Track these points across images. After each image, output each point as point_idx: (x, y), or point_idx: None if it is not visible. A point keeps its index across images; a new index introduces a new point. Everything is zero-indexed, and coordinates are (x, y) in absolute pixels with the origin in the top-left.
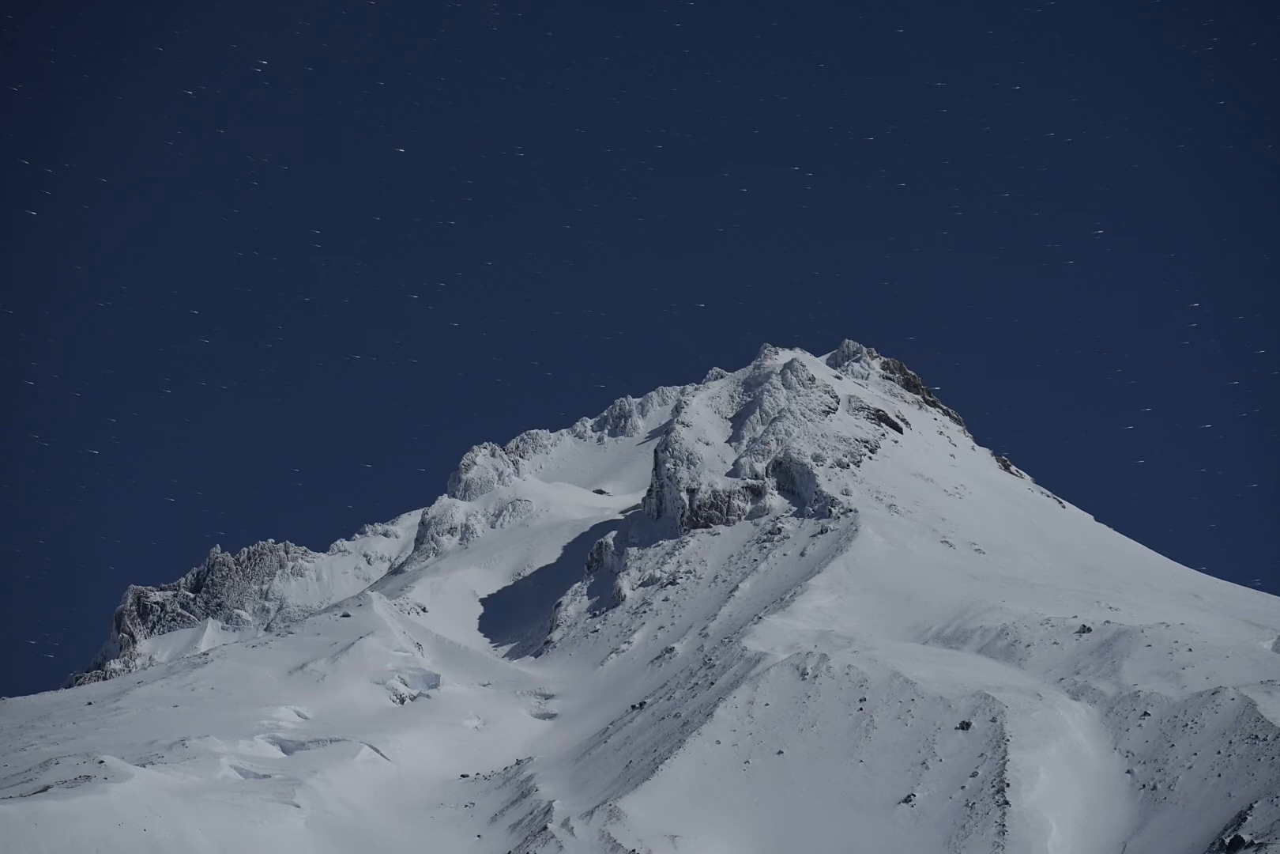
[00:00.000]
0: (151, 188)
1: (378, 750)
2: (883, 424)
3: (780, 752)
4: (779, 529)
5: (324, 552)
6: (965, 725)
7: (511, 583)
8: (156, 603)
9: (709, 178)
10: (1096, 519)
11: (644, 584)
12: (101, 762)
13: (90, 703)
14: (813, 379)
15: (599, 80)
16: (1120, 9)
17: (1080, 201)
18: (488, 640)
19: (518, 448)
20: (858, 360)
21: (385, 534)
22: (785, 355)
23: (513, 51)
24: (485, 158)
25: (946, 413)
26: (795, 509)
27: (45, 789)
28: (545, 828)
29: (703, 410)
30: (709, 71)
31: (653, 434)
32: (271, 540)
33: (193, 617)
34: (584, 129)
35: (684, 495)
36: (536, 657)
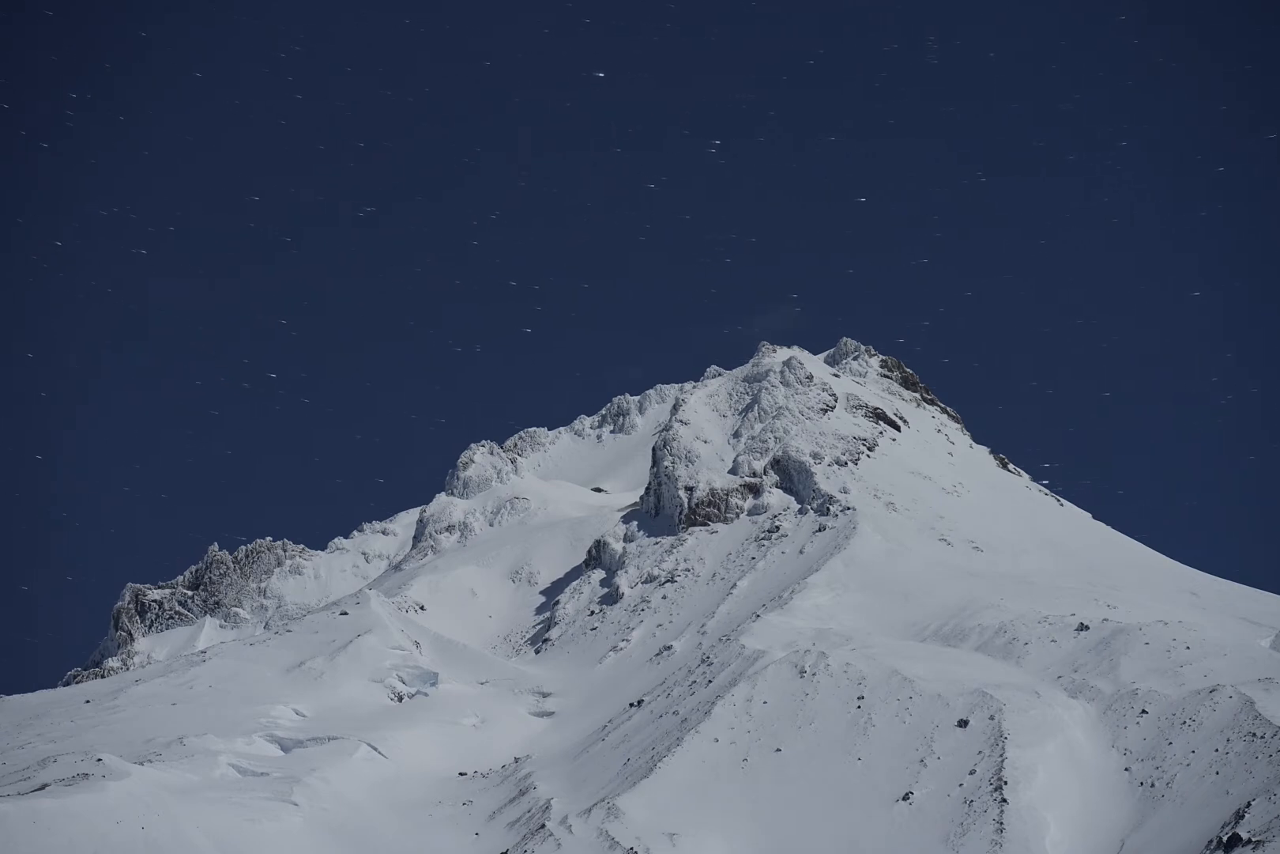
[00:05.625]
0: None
1: (376, 748)
2: (881, 422)
3: (778, 749)
4: (777, 527)
5: (322, 550)
6: (963, 723)
7: (510, 581)
8: (154, 601)
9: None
10: (1094, 517)
11: (642, 582)
12: (99, 760)
13: (88, 701)
14: (811, 377)
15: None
16: None
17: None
18: (486, 638)
19: (516, 446)
20: (856, 358)
21: (383, 532)
22: (783, 353)
23: None
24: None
25: (945, 411)
26: (794, 507)
27: (43, 787)
28: (543, 826)
29: (701, 408)
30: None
31: (653, 432)
32: (270, 538)
33: (191, 615)
34: (614, 123)
35: (682, 493)
36: (535, 654)
